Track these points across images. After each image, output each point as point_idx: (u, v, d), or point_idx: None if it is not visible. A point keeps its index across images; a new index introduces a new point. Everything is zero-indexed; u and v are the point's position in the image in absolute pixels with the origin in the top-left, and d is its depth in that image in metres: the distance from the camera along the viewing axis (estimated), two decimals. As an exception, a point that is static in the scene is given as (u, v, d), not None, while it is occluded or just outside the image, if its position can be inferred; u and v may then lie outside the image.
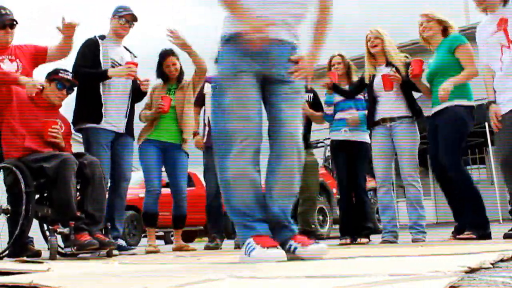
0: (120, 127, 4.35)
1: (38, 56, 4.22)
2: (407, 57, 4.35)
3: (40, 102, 3.85)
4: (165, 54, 4.83)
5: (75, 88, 4.05)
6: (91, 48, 4.28)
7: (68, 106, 4.47)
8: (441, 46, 4.04)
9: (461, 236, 3.75)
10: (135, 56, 4.57)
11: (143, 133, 4.84)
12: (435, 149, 4.04)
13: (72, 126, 4.21)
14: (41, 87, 3.76)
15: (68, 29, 4.10)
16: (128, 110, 4.40)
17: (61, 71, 3.90)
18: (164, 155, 4.83)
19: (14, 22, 4.12)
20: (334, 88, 4.61)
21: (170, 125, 4.80)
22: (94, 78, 4.23)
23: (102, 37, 4.39)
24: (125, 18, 4.42)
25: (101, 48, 4.30)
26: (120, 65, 4.35)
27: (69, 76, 3.92)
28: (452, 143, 3.86)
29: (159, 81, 5.00)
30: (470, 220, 3.79)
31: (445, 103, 3.87)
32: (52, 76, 3.86)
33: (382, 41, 4.28)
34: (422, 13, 4.11)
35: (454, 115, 3.85)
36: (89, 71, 4.21)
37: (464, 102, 3.89)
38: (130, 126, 4.45)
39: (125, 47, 4.52)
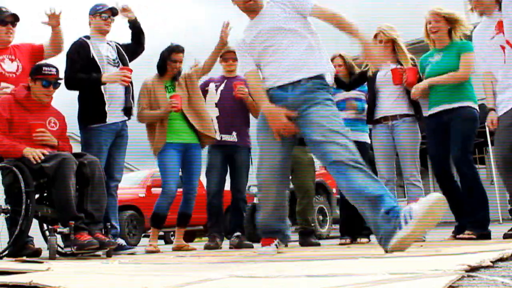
0: (121, 116, 4.34)
1: (35, 55, 4.20)
2: (413, 59, 4.33)
3: (29, 105, 3.81)
4: (176, 50, 4.75)
5: (61, 82, 3.99)
6: (80, 51, 4.25)
7: (69, 106, 4.47)
8: (449, 48, 4.03)
9: (461, 236, 3.75)
10: (118, 44, 4.52)
11: (160, 139, 4.68)
12: (437, 149, 4.04)
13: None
14: (42, 157, 3.60)
15: (52, 19, 4.07)
16: (125, 98, 4.37)
17: (44, 68, 3.84)
18: (184, 155, 4.80)
19: (15, 20, 4.10)
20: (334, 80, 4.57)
21: (181, 125, 4.75)
22: (89, 85, 4.22)
23: (88, 37, 4.37)
24: (107, 14, 4.41)
25: (91, 47, 4.28)
26: (113, 60, 4.35)
27: (53, 71, 3.86)
28: (468, 140, 3.92)
29: (151, 75, 4.89)
30: (473, 217, 3.79)
31: (458, 103, 3.92)
32: (36, 75, 3.81)
33: (394, 42, 4.26)
34: (431, 10, 4.04)
35: (469, 113, 3.92)
36: (83, 78, 4.18)
37: (474, 105, 3.97)
38: (128, 109, 4.40)
39: (107, 43, 4.48)
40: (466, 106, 3.93)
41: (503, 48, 3.29)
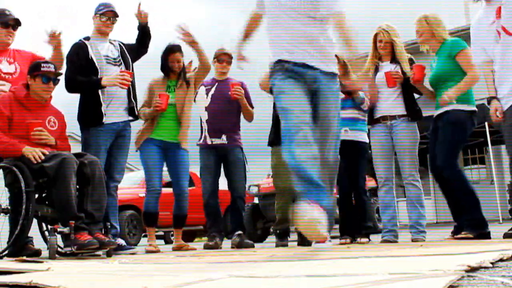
0: (123, 116, 4.36)
1: None
2: (411, 59, 4.33)
3: (29, 104, 3.80)
4: (171, 50, 4.79)
5: (60, 78, 3.99)
6: (79, 53, 4.27)
7: (69, 106, 4.47)
8: (441, 51, 4.03)
9: (458, 236, 3.75)
10: (123, 44, 4.53)
11: (143, 133, 4.79)
12: (433, 150, 4.05)
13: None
14: (42, 156, 3.59)
15: (53, 40, 4.09)
16: (127, 98, 4.38)
17: (42, 65, 3.83)
18: (166, 154, 4.82)
19: (17, 23, 4.12)
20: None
21: (170, 124, 4.78)
22: (88, 87, 4.23)
23: (87, 38, 4.38)
24: (106, 16, 4.41)
25: (89, 48, 4.28)
26: (114, 60, 4.36)
27: (52, 68, 3.85)
28: (449, 145, 3.90)
29: (158, 75, 4.93)
30: (467, 219, 3.80)
31: (446, 107, 3.91)
32: (35, 72, 3.80)
33: (393, 43, 4.25)
34: (416, 18, 4.08)
35: (453, 118, 3.89)
36: (83, 80, 4.20)
37: (465, 107, 3.92)
38: (132, 109, 4.43)
39: (110, 41, 4.49)
40: (452, 110, 3.89)
41: (499, 33, 3.27)
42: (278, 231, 4.86)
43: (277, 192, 4.91)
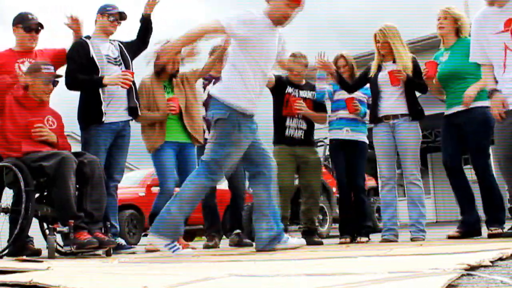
0: (123, 116, 4.36)
1: (58, 58, 4.26)
2: (414, 58, 4.32)
3: (26, 102, 3.82)
4: None
5: (59, 80, 4.01)
6: (79, 50, 4.27)
7: (68, 106, 4.46)
8: (457, 47, 4.02)
9: (491, 232, 3.80)
10: (122, 43, 4.53)
11: (157, 139, 4.64)
12: (446, 144, 4.07)
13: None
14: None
15: (74, 23, 4.18)
16: (128, 97, 4.38)
17: (42, 67, 3.86)
18: (178, 154, 4.79)
19: (40, 27, 4.17)
20: (338, 78, 4.54)
21: (177, 124, 4.74)
22: (90, 86, 4.23)
23: (88, 37, 4.39)
24: (115, 17, 4.42)
25: (90, 47, 4.29)
26: (114, 59, 4.36)
27: (52, 70, 3.89)
28: (485, 146, 3.93)
29: (146, 74, 4.84)
30: (493, 216, 3.88)
31: (471, 104, 3.90)
32: (35, 73, 3.82)
33: (389, 43, 4.25)
34: (441, 8, 4.07)
35: (481, 115, 3.86)
36: (84, 79, 4.20)
37: (486, 103, 3.90)
38: (133, 109, 4.42)
39: (110, 41, 4.49)
40: (478, 107, 3.88)
41: (506, 47, 3.20)
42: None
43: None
